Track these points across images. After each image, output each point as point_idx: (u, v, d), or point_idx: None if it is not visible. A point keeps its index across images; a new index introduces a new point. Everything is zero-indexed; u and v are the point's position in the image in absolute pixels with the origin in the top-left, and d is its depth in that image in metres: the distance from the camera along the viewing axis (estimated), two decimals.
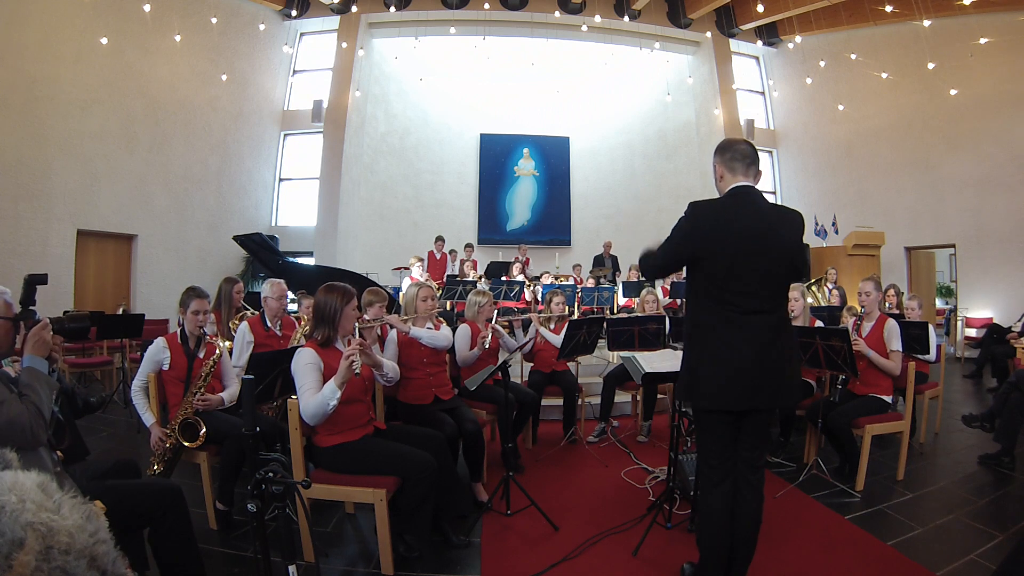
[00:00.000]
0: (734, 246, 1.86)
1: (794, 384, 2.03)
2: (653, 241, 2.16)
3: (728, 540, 1.97)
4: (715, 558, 1.98)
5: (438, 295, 5.05)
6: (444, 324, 3.39)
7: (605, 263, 9.51)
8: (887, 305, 4.69)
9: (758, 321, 1.89)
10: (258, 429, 1.50)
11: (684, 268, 2.05)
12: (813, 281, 7.46)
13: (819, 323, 4.44)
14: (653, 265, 2.12)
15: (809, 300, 6.95)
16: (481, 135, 12.33)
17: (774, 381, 1.91)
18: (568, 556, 2.47)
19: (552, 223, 12.35)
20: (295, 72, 11.10)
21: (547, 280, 7.91)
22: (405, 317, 3.16)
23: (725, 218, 1.90)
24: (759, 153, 2.04)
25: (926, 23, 8.12)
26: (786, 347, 1.95)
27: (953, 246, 9.25)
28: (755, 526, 1.97)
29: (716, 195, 2.03)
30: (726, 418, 1.94)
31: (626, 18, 10.20)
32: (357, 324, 2.48)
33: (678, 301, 7.43)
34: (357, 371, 2.22)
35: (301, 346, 2.51)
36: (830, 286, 6.83)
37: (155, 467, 2.69)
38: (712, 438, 1.99)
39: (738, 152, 1.97)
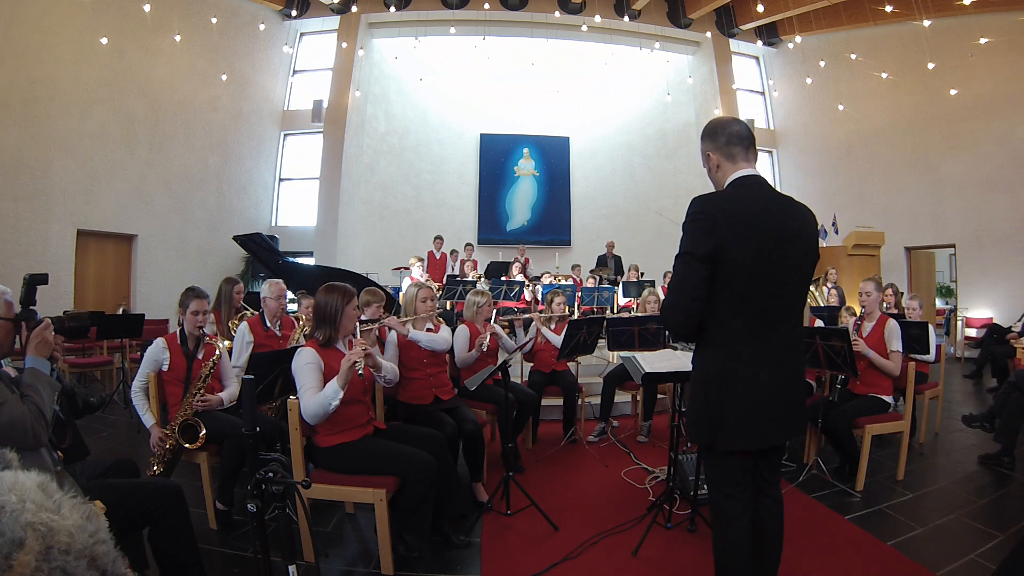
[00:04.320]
0: (761, 241, 1.58)
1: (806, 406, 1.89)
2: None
3: (751, 572, 1.81)
4: None
5: (438, 295, 5.04)
6: (444, 325, 3.39)
7: (608, 263, 9.52)
8: (884, 305, 4.69)
9: (783, 334, 1.66)
10: (258, 429, 1.50)
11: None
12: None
13: (819, 323, 4.45)
14: (672, 300, 1.67)
15: (808, 301, 6.97)
16: (481, 135, 12.34)
17: (796, 413, 1.74)
18: (568, 556, 2.47)
19: (552, 223, 12.35)
20: (295, 72, 11.11)
21: (547, 280, 7.91)
22: (404, 319, 3.16)
23: (738, 212, 1.60)
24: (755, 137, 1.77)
25: (926, 23, 8.12)
26: (803, 364, 1.77)
27: (953, 246, 9.25)
28: (781, 536, 1.84)
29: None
30: (747, 456, 1.71)
31: (626, 18, 10.20)
32: (358, 325, 2.48)
33: None
34: (360, 372, 2.23)
35: (301, 346, 2.51)
36: (829, 286, 6.84)
37: (155, 468, 2.69)
38: (732, 473, 1.72)
39: (733, 135, 1.68)
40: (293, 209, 10.90)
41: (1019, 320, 6.41)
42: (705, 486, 2.90)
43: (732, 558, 1.73)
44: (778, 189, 1.84)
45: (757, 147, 1.77)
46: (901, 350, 3.42)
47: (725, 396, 1.64)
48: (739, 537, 1.71)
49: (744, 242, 1.57)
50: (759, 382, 1.62)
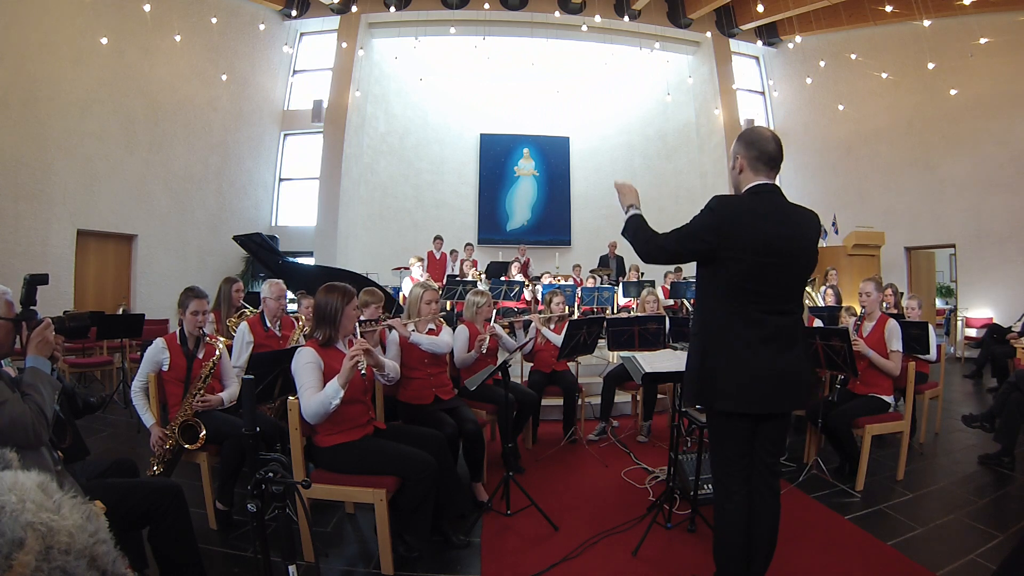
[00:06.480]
0: (761, 246, 1.80)
1: (809, 387, 2.01)
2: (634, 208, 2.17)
3: (747, 550, 1.90)
4: (734, 570, 1.91)
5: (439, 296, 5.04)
6: (445, 326, 3.39)
7: (610, 264, 9.52)
8: (884, 305, 4.69)
9: (779, 321, 1.86)
10: (258, 429, 1.50)
11: (694, 263, 1.96)
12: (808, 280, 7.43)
13: (818, 323, 4.45)
14: (661, 247, 1.95)
15: (805, 300, 6.96)
16: (481, 135, 12.33)
17: (794, 384, 1.88)
18: (568, 556, 2.47)
19: (552, 223, 12.35)
20: (295, 72, 11.11)
21: (547, 280, 7.91)
22: (406, 321, 3.15)
23: (752, 217, 1.84)
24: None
25: (926, 23, 8.12)
26: (803, 349, 1.92)
27: (953, 246, 9.25)
28: (775, 531, 1.92)
29: (717, 192, 1.99)
30: (744, 422, 1.87)
31: (626, 18, 10.20)
32: (358, 326, 2.48)
33: (678, 301, 7.44)
34: (362, 370, 2.23)
35: (301, 345, 2.51)
36: (825, 287, 6.83)
37: (155, 468, 2.69)
38: (730, 444, 1.91)
39: (764, 153, 1.91)
40: (293, 209, 10.90)
41: (1019, 320, 6.41)
42: (705, 486, 2.92)
43: (729, 532, 1.88)
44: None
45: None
46: (901, 350, 3.42)
47: (720, 362, 1.85)
48: (735, 512, 1.87)
49: (744, 241, 1.81)
50: (753, 350, 1.82)
